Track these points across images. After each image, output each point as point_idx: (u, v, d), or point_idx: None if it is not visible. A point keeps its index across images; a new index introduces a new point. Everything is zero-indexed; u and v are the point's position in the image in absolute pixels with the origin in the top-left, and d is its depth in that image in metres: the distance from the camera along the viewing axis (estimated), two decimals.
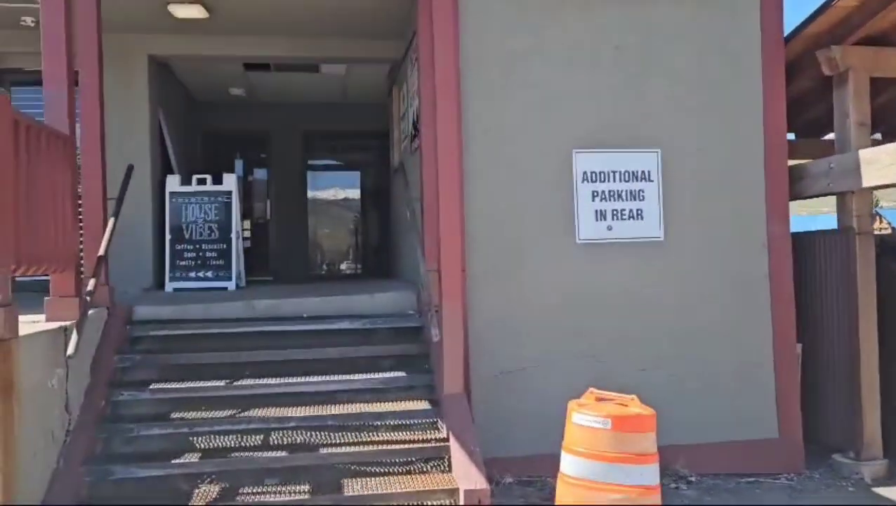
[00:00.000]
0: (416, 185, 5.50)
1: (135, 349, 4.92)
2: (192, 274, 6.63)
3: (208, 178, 6.79)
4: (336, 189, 11.36)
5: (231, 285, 6.64)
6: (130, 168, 5.18)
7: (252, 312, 5.35)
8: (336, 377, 4.77)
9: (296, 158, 10.29)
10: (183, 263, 6.64)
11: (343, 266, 11.87)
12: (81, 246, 4.72)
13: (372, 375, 4.81)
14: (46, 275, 4.23)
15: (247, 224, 10.55)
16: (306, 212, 10.53)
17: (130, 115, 6.58)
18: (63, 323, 4.13)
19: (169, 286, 6.59)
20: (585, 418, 3.46)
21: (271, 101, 9.85)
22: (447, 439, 4.42)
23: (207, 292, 6.38)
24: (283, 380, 4.70)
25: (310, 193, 10.63)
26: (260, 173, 10.60)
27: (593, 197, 5.49)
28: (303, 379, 4.72)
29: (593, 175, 5.49)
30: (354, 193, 11.39)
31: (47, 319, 4.22)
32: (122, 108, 6.53)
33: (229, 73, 8.41)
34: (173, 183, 6.72)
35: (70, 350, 3.84)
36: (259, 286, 7.24)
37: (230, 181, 6.79)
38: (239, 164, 10.46)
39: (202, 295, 6.08)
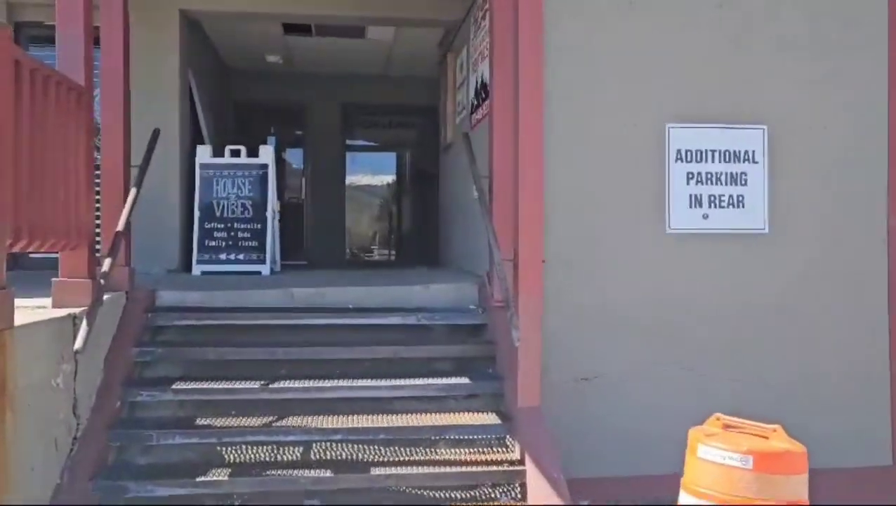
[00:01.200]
0: (484, 160, 4.75)
1: (156, 341, 4.27)
2: (223, 256, 5.97)
3: (243, 149, 6.12)
4: (375, 168, 10.67)
5: (265, 270, 5.97)
6: (157, 132, 4.52)
7: (290, 302, 4.66)
8: (387, 382, 4.07)
9: (334, 133, 9.60)
10: (212, 243, 5.98)
11: (379, 251, 11.21)
12: (98, 220, 4.07)
13: (429, 380, 4.10)
14: (55, 252, 3.58)
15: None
16: (344, 192, 9.86)
17: (157, 76, 5.92)
18: (72, 310, 3.47)
19: (196, 269, 5.94)
20: (717, 452, 2.72)
21: (310, 70, 9.16)
22: (521, 462, 3.71)
23: (239, 277, 5.73)
24: (325, 383, 4.02)
25: (348, 172, 9.93)
26: (295, 149, 9.93)
27: (688, 179, 4.71)
28: (349, 382, 4.03)
29: (689, 154, 4.71)
30: (394, 174, 10.68)
31: (54, 305, 3.57)
32: (149, 67, 5.86)
33: (266, 37, 7.73)
34: (204, 154, 6.05)
35: (78, 343, 3.17)
36: (295, 271, 6.57)
37: (267, 154, 6.11)
38: (273, 138, 9.79)
39: (234, 280, 5.42)
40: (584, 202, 4.63)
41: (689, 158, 4.71)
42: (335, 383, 4.02)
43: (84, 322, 3.29)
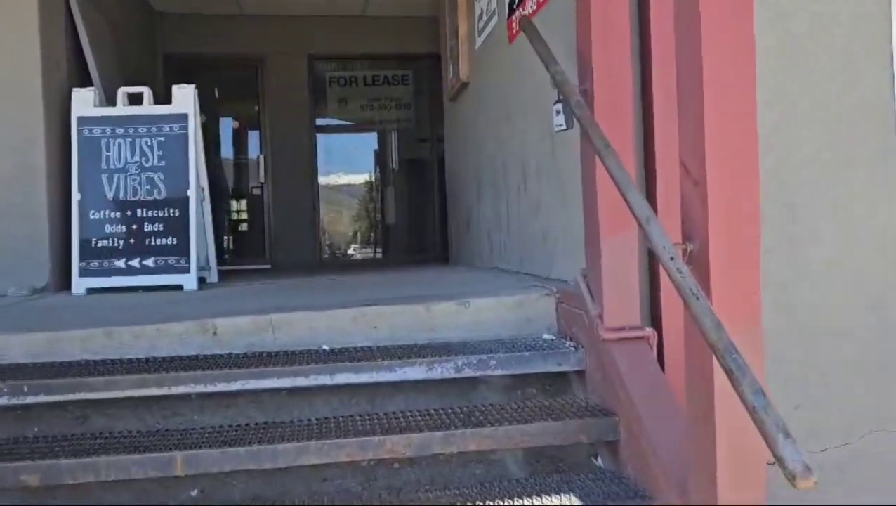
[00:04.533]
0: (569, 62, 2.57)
1: None
2: (121, 262, 3.75)
3: (146, 92, 3.89)
4: (353, 145, 8.44)
5: (190, 282, 3.75)
6: None
7: (212, 345, 2.48)
8: None
9: (299, 98, 7.36)
10: (104, 243, 3.75)
11: (362, 250, 9.01)
12: None
13: None
14: None
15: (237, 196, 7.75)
16: (315, 176, 7.62)
17: None
18: None
19: (79, 284, 3.72)
20: None
21: (265, 12, 6.94)
22: None
23: (144, 296, 3.53)
24: None
25: (319, 148, 7.67)
26: (249, 116, 7.66)
27: None
28: None
29: None
30: (377, 151, 8.46)
31: None
32: None
33: None
34: (84, 102, 3.81)
35: None
36: (243, 281, 4.36)
37: (184, 99, 3.87)
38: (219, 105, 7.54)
39: (125, 304, 3.22)
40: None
41: None
42: None
43: None
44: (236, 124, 7.65)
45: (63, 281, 3.85)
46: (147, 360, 2.40)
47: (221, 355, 2.44)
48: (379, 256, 8.57)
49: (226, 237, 7.98)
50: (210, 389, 2.24)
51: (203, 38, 6.93)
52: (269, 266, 7.13)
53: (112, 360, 2.40)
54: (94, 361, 2.38)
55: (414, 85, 7.86)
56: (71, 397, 2.20)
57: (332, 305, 2.70)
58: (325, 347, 2.51)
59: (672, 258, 1.55)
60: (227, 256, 7.72)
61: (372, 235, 8.82)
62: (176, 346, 2.46)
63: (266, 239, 7.38)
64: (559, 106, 2.29)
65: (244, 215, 7.76)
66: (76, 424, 2.27)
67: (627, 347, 2.22)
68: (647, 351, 2.23)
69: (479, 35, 4.30)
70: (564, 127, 2.29)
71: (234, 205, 7.77)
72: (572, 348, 2.44)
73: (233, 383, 2.24)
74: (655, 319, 2.42)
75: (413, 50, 7.10)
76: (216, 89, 7.40)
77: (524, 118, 3.39)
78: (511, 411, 2.29)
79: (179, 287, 3.76)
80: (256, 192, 7.51)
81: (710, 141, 1.65)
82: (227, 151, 7.79)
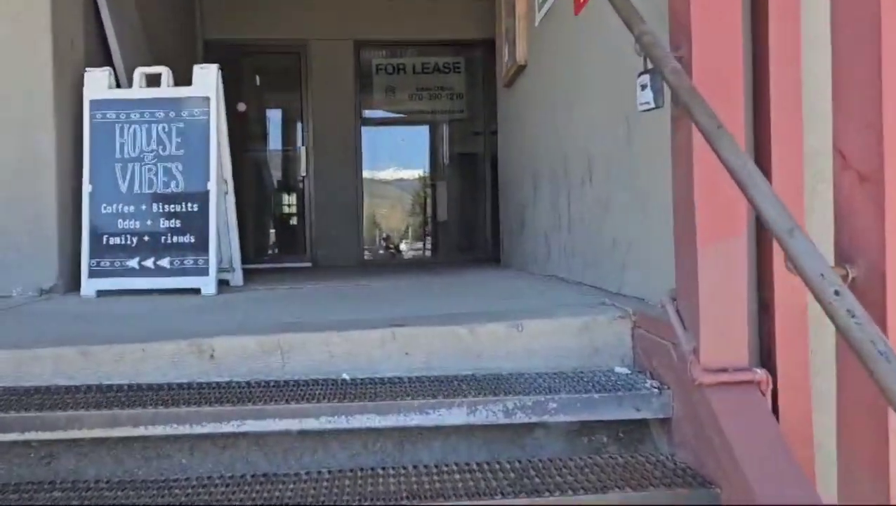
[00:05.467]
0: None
1: None
2: (134, 262, 3.37)
3: (164, 73, 3.49)
4: (402, 135, 8.00)
5: (208, 285, 3.35)
6: None
7: (209, 370, 2.06)
8: None
9: (344, 86, 6.95)
10: (115, 240, 3.38)
11: (410, 248, 8.57)
12: None
13: None
14: None
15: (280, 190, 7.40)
16: (359, 167, 7.21)
17: None
18: None
19: (89, 286, 3.36)
20: None
21: None
22: None
23: (153, 302, 3.13)
24: None
25: (365, 140, 7.25)
26: (291, 105, 7.28)
27: None
28: None
29: None
30: (429, 141, 7.99)
31: None
32: None
33: None
34: (98, 84, 3.43)
35: None
36: (269, 285, 3.94)
37: (206, 80, 3.45)
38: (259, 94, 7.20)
39: (130, 312, 2.83)
40: None
41: None
42: None
43: None
44: (272, 106, 7.27)
45: (73, 281, 3.49)
46: (129, 387, 1.98)
47: (219, 384, 2.01)
48: (427, 254, 8.13)
49: (272, 231, 7.68)
50: (197, 430, 1.80)
51: (244, 23, 6.58)
52: (309, 264, 6.76)
53: (88, 386, 1.99)
54: (67, 386, 1.98)
55: (467, 74, 7.37)
56: (29, 435, 1.79)
57: (356, 323, 2.24)
58: (345, 376, 2.06)
59: (837, 292, 1.02)
60: (271, 252, 7.43)
61: (420, 232, 8.37)
62: (167, 370, 2.04)
63: (307, 236, 7.00)
64: (646, 78, 1.77)
65: (285, 210, 7.41)
66: (41, 465, 1.88)
67: (732, 395, 1.70)
68: (759, 401, 1.70)
69: (539, 10, 3.77)
70: (652, 105, 1.76)
71: (273, 199, 7.43)
72: (655, 390, 1.92)
73: (224, 425, 1.80)
74: (766, 356, 1.88)
75: (466, 36, 6.63)
76: (257, 77, 7.05)
77: (591, 100, 2.87)
78: (576, 470, 1.78)
79: (196, 290, 3.36)
80: (299, 185, 7.14)
81: (891, 117, 1.11)
82: (267, 141, 7.46)
